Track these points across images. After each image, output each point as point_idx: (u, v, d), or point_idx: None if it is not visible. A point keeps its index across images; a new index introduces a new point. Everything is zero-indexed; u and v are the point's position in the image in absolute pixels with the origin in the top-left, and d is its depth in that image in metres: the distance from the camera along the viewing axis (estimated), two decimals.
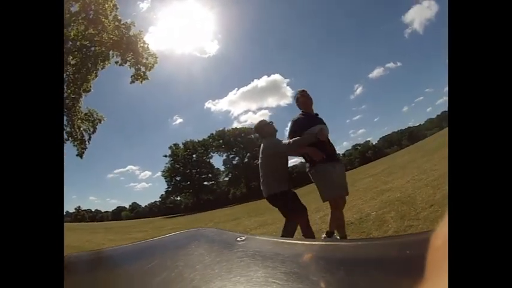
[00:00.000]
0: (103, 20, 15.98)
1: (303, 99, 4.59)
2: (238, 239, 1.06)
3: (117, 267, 1.13)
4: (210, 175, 67.20)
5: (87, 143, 17.94)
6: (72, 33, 16.00)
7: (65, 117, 16.83)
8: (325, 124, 4.54)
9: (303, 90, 4.65)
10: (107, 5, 15.76)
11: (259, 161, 4.69)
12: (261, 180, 4.58)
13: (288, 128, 4.53)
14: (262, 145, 4.69)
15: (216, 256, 0.99)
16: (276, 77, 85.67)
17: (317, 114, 4.63)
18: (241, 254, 0.95)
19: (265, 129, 4.72)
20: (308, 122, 4.40)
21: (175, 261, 1.00)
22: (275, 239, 1.03)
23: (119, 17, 16.38)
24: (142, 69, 17.19)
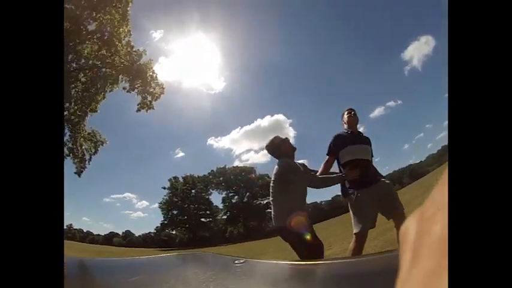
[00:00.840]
0: (117, 43, 16.69)
1: (347, 117, 4.39)
2: (236, 261, 1.02)
3: (106, 277, 1.08)
4: (207, 212, 66.81)
5: (87, 162, 18.20)
6: (86, 51, 16.74)
7: (68, 133, 17.39)
8: (369, 144, 4.35)
9: (350, 109, 4.47)
10: (121, 29, 16.54)
11: (271, 184, 3.81)
12: (272, 208, 3.76)
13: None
14: (276, 167, 3.80)
15: (212, 275, 0.95)
16: (279, 117, 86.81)
17: (360, 133, 4.43)
18: (240, 273, 0.91)
19: (281, 147, 3.90)
20: (348, 140, 4.18)
21: (167, 277, 0.96)
22: (274, 261, 0.98)
23: (132, 43, 17.20)
24: (149, 98, 17.74)
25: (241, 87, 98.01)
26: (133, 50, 17.31)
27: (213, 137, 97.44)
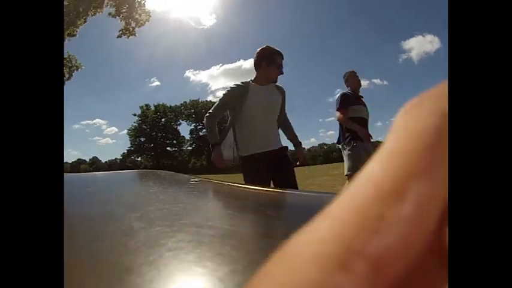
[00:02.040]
0: None
1: (352, 79, 4.97)
2: (191, 180, 1.06)
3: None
4: (174, 141, 66.78)
5: None
6: None
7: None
8: (366, 107, 4.89)
9: (353, 71, 5.03)
10: None
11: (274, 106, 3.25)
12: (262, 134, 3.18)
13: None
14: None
15: (164, 188, 0.98)
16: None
17: (361, 96, 4.98)
18: (192, 189, 0.95)
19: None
20: (353, 99, 4.77)
21: (122, 188, 0.98)
22: (228, 183, 1.02)
23: None
24: (133, 24, 16.85)
25: (230, 27, 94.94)
26: None
27: (191, 70, 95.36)
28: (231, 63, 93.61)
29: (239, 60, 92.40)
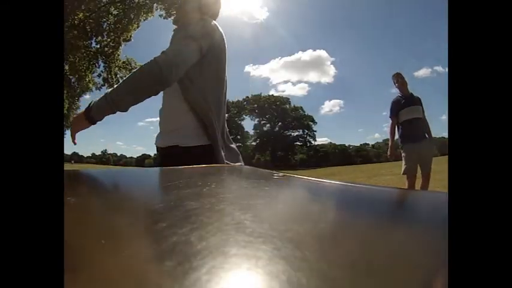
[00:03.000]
0: None
1: (398, 81, 5.50)
2: (274, 175, 1.06)
3: (142, 183, 1.11)
4: (238, 136, 67.84)
5: None
6: None
7: (102, 64, 17.82)
8: (420, 105, 5.40)
9: (398, 73, 5.48)
10: None
11: None
12: None
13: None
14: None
15: (253, 182, 1.00)
16: (321, 53, 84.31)
17: (412, 95, 5.51)
18: (281, 184, 0.95)
19: None
20: (401, 103, 5.36)
21: (207, 181, 1.01)
22: (314, 179, 1.01)
23: None
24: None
25: (285, 18, 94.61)
26: None
27: (251, 64, 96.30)
28: (290, 55, 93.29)
29: (298, 52, 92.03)
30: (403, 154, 5.31)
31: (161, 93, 2.07)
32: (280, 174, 1.06)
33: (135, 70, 1.93)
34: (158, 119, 2.26)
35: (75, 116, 1.94)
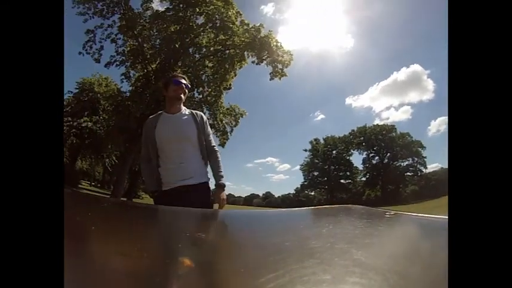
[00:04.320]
0: (230, 25, 18.15)
1: None
2: (386, 214, 1.12)
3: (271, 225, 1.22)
4: (348, 173, 65.65)
5: (229, 134, 20.31)
6: (204, 41, 18.85)
7: (207, 112, 19.12)
8: None
9: None
10: (230, 13, 18.06)
11: None
12: None
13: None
14: None
15: (367, 223, 1.06)
16: (415, 67, 79.06)
17: None
18: (392, 223, 1.02)
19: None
20: None
21: (325, 223, 1.10)
22: (421, 215, 1.05)
23: (246, 21, 18.54)
24: (279, 66, 18.74)
25: (371, 41, 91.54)
26: (250, 27, 18.47)
27: (351, 96, 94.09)
28: (386, 78, 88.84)
29: (392, 74, 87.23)
30: None
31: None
32: (392, 212, 1.11)
33: (219, 159, 2.89)
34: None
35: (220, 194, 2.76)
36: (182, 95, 2.79)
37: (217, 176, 2.82)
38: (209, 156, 2.84)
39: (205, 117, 2.92)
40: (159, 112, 2.85)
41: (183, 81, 2.80)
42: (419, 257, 0.65)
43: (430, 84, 78.60)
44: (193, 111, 2.90)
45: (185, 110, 2.86)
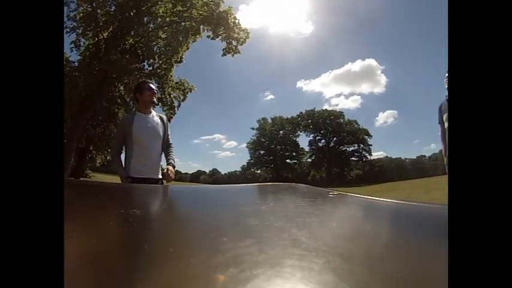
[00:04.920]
0: None
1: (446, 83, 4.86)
2: (330, 193, 1.10)
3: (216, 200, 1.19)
4: (294, 153, 67.38)
5: (176, 109, 20.14)
6: (160, 11, 18.20)
7: (156, 85, 18.73)
8: None
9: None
10: None
11: None
12: None
13: None
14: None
15: (310, 201, 1.04)
16: (371, 61, 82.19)
17: None
18: (336, 202, 1.00)
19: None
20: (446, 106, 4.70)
21: (266, 200, 1.07)
22: (366, 197, 1.04)
23: None
24: (234, 43, 18.71)
25: (329, 31, 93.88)
26: (210, 0, 18.00)
27: (302, 80, 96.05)
28: (340, 67, 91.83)
29: (347, 64, 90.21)
30: (446, 164, 4.48)
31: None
32: (335, 192, 1.10)
33: (174, 150, 3.73)
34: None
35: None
36: (155, 99, 3.61)
37: (171, 160, 3.59)
38: (167, 148, 3.63)
39: (166, 119, 3.73)
40: (133, 112, 3.64)
41: (154, 86, 3.66)
42: (362, 238, 0.62)
43: (382, 79, 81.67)
44: (160, 115, 3.67)
45: (153, 112, 3.59)
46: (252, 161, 68.75)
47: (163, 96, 19.39)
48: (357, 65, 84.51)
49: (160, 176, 3.49)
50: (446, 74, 4.74)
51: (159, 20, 18.73)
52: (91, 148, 30.23)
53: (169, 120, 3.89)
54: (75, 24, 18.23)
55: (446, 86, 4.70)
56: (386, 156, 69.47)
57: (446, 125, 4.51)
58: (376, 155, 67.86)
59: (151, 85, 3.62)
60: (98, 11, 18.19)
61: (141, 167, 3.36)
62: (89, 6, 18.01)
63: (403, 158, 66.96)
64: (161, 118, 3.62)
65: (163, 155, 3.60)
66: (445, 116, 4.51)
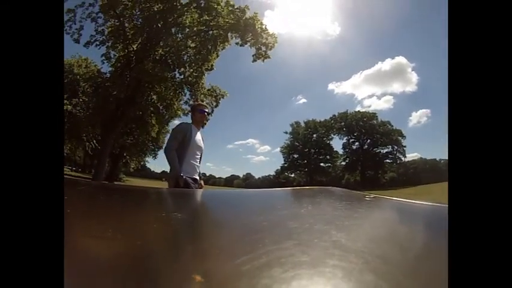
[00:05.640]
0: (215, 6, 17.88)
1: None
2: (366, 197, 1.11)
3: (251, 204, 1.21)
4: (327, 157, 66.55)
5: (209, 115, 19.81)
6: (187, 21, 18.53)
7: (188, 93, 19.24)
8: None
9: None
10: None
11: None
12: None
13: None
14: None
15: (346, 204, 1.05)
16: (400, 59, 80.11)
17: None
18: (372, 205, 1.01)
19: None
20: None
21: (304, 204, 1.09)
22: (401, 200, 1.05)
23: (232, 2, 18.20)
24: (263, 48, 18.74)
25: (357, 31, 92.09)
26: (235, 8, 18.23)
27: (333, 82, 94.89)
28: (370, 67, 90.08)
29: (377, 63, 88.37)
30: None
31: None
32: (372, 195, 1.10)
33: None
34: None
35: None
36: (205, 121, 4.46)
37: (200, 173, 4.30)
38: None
39: None
40: (190, 123, 4.23)
41: (206, 110, 4.40)
42: (399, 240, 0.64)
43: (413, 77, 79.58)
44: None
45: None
46: (285, 165, 68.41)
47: (195, 103, 19.69)
48: (387, 64, 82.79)
49: (197, 177, 4.13)
50: None
51: (187, 30, 19.10)
52: (125, 154, 30.97)
53: (202, 126, 4.52)
54: (104, 37, 18.86)
55: None
56: (421, 158, 67.44)
57: None
58: (411, 156, 66.10)
59: (205, 109, 4.39)
60: (126, 24, 18.72)
61: (191, 169, 4.02)
62: (117, 20, 18.59)
63: (437, 159, 64.75)
64: (201, 134, 4.32)
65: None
66: None
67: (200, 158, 4.22)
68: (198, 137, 4.16)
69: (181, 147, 3.97)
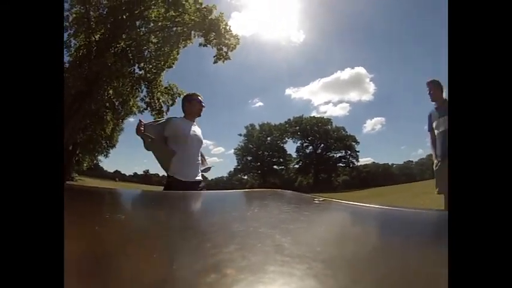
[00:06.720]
0: (183, 2, 17.67)
1: (432, 90, 4.73)
2: (315, 200, 1.11)
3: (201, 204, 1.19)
4: (281, 159, 67.47)
5: (164, 113, 19.91)
6: (153, 15, 18.19)
7: (145, 90, 18.90)
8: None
9: (432, 80, 4.76)
10: None
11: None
12: None
13: None
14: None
15: (295, 207, 1.04)
16: (360, 69, 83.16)
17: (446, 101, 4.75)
18: (321, 208, 1.01)
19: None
20: (435, 115, 4.68)
21: (251, 207, 1.07)
22: (352, 203, 1.05)
23: (200, 1, 18.06)
24: (225, 49, 18.80)
25: (320, 40, 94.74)
26: (203, 6, 18.13)
27: (291, 87, 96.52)
28: (328, 76, 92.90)
29: (336, 72, 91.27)
30: (435, 169, 4.68)
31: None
32: (321, 198, 1.10)
33: None
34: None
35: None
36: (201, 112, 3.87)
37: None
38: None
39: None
40: (181, 117, 3.83)
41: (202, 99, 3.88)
42: (345, 244, 0.63)
43: (371, 87, 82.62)
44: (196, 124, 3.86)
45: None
46: (239, 167, 68.73)
47: (151, 100, 19.34)
48: (346, 73, 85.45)
49: (200, 178, 3.66)
50: (428, 80, 4.75)
51: (151, 24, 18.75)
52: (77, 152, 29.79)
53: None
54: (67, 24, 18.00)
55: (430, 93, 4.68)
56: (374, 162, 69.94)
57: (435, 132, 4.58)
58: (364, 161, 68.42)
59: (201, 99, 3.87)
60: (91, 12, 18.12)
61: (185, 169, 3.55)
62: (82, 7, 17.93)
63: (390, 163, 67.45)
64: (198, 125, 3.88)
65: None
66: (434, 124, 4.59)
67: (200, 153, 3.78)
68: (195, 128, 3.75)
69: (174, 144, 3.55)
